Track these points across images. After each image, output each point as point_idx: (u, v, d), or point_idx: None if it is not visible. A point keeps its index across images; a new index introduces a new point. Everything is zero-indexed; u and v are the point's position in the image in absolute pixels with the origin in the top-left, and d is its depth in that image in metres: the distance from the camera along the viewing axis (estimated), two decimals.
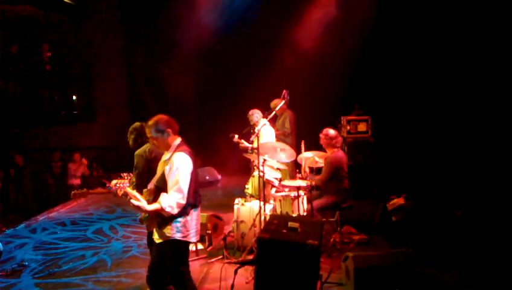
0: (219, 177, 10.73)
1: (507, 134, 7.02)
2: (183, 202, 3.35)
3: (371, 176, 8.05)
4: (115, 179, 3.49)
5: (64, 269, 5.49)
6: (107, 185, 3.46)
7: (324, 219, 5.64)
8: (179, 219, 3.45)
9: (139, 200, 3.30)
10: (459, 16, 7.65)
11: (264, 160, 5.63)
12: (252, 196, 6.23)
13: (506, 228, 5.81)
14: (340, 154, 5.92)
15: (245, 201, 5.96)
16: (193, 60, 11.70)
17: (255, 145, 5.96)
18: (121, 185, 3.42)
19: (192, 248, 5.73)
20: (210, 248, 5.95)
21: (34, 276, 5.33)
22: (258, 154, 5.37)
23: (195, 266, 5.38)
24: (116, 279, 5.06)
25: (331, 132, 5.95)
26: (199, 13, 10.80)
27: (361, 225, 6.30)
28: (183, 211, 3.44)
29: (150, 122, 3.58)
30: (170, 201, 3.31)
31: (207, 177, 10.41)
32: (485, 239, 5.60)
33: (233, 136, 7.10)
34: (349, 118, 8.26)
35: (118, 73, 12.40)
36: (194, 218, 3.59)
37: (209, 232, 6.00)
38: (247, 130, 7.14)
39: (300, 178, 5.90)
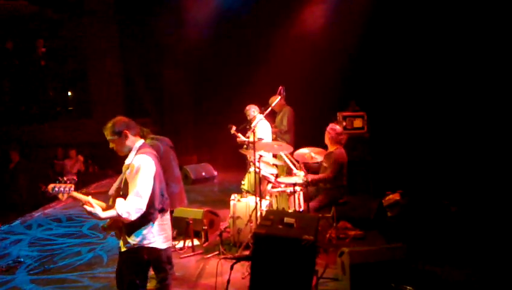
0: (215, 173, 10.74)
1: (504, 132, 7.06)
2: (142, 207, 3.14)
3: (366, 172, 8.06)
4: (53, 183, 3.15)
5: (60, 265, 5.48)
6: (43, 188, 3.18)
7: (320, 215, 5.65)
8: (145, 226, 3.26)
9: (93, 206, 3.05)
10: (455, 13, 7.66)
11: (260, 156, 5.63)
12: (248, 191, 6.24)
13: (501, 222, 5.85)
14: (343, 151, 5.94)
15: (241, 197, 5.96)
16: (189, 56, 11.69)
17: (251, 139, 5.97)
18: (63, 189, 3.11)
19: (188, 244, 5.76)
20: (206, 243, 5.96)
21: (30, 272, 5.31)
22: (254, 150, 5.37)
23: (191, 262, 5.40)
24: (112, 275, 4.98)
25: (338, 127, 5.97)
26: (195, 8, 10.77)
27: (357, 221, 6.31)
28: (149, 217, 3.27)
29: (108, 125, 3.38)
30: (127, 207, 3.09)
31: (203, 174, 10.43)
32: (480, 234, 5.64)
33: (231, 127, 7.12)
34: (345, 114, 8.26)
35: (113, 68, 12.34)
36: (163, 223, 3.42)
37: (205, 228, 6.01)
38: (244, 125, 7.15)
39: (298, 168, 5.87)
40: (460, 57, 7.64)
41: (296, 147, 6.25)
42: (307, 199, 5.65)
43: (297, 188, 5.74)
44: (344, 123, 8.13)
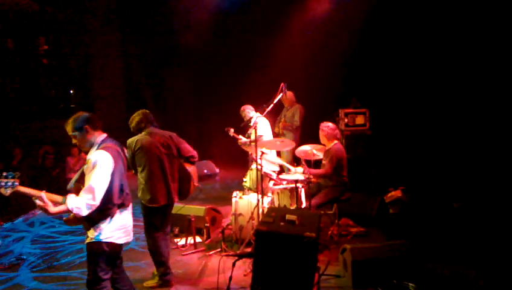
0: (217, 170, 10.75)
1: (506, 127, 7.03)
2: (94, 202, 3.13)
3: (368, 168, 8.05)
4: None
5: (62, 262, 5.50)
6: None
7: (322, 212, 5.65)
8: (103, 220, 3.30)
9: (44, 201, 3.07)
10: (456, 9, 7.62)
11: (262, 153, 5.62)
12: (249, 189, 6.24)
13: (504, 219, 5.83)
14: (341, 146, 5.96)
15: (243, 194, 5.97)
16: (191, 52, 11.67)
17: (252, 138, 5.97)
18: (4, 183, 3.09)
19: (190, 241, 5.77)
20: (208, 240, 5.97)
21: (32, 269, 5.34)
22: (256, 147, 5.37)
23: (193, 259, 5.41)
24: None
25: (330, 124, 5.98)
26: (196, 4, 10.76)
27: (358, 218, 6.32)
28: (107, 212, 3.30)
29: (69, 120, 3.41)
30: (78, 202, 3.10)
31: (205, 171, 10.45)
32: (483, 230, 5.63)
33: (229, 130, 7.09)
34: (347, 110, 8.25)
35: (115, 66, 12.33)
36: (123, 218, 3.43)
37: (207, 225, 6.03)
38: (244, 124, 7.13)
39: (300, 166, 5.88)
40: (463, 54, 7.61)
41: (299, 144, 6.26)
42: (309, 196, 5.65)
43: (299, 185, 5.73)
44: (346, 120, 8.13)
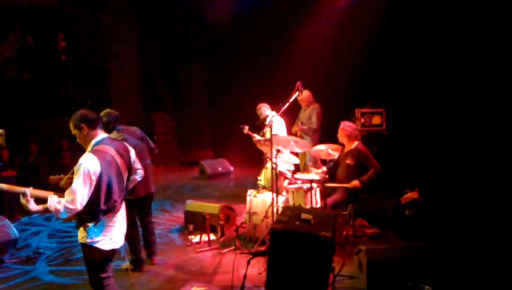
0: (231, 168, 10.77)
1: None
2: (73, 207, 3.01)
3: (384, 169, 7.96)
4: None
5: (78, 256, 5.54)
6: None
7: (337, 212, 5.61)
8: (89, 224, 3.21)
9: (27, 199, 3.04)
10: (472, 9, 7.49)
11: (278, 151, 5.59)
12: (264, 187, 6.23)
13: None
14: (364, 146, 5.93)
15: (257, 193, 5.96)
16: (207, 51, 11.71)
17: (267, 136, 5.96)
18: None
19: (204, 238, 5.78)
20: (222, 238, 5.97)
21: (49, 263, 5.42)
22: (271, 145, 5.35)
23: (207, 257, 5.43)
24: (129, 267, 5.09)
25: (352, 124, 5.95)
26: (213, 3, 10.79)
27: (374, 219, 6.26)
28: (92, 216, 3.19)
29: (71, 118, 3.32)
30: (58, 204, 3.00)
31: (219, 169, 10.48)
32: (500, 234, 5.53)
33: (244, 128, 7.08)
34: (364, 110, 8.17)
35: (132, 63, 12.46)
36: (110, 225, 3.32)
37: (222, 223, 6.03)
38: (259, 122, 7.12)
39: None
40: (483, 54, 7.47)
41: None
42: (324, 196, 5.62)
43: (314, 185, 5.70)
44: (362, 120, 8.05)
